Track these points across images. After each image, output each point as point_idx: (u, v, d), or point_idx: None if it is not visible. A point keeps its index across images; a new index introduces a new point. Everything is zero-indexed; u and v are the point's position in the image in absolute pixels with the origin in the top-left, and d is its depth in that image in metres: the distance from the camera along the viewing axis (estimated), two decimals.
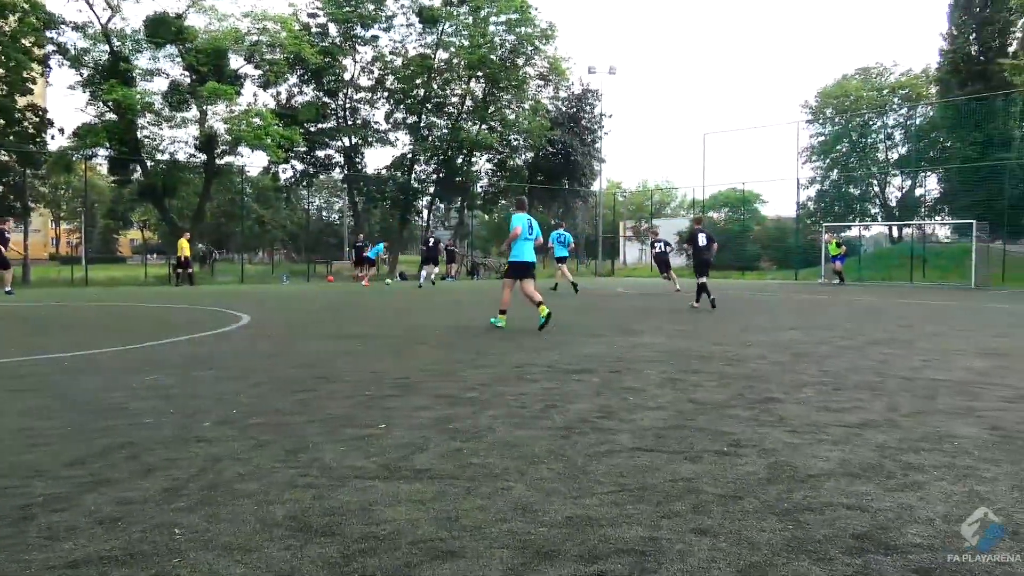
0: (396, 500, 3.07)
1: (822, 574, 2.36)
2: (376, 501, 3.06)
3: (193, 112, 31.31)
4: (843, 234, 40.89)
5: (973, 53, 40.97)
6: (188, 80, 30.77)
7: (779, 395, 5.34)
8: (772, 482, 3.31)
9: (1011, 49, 35.55)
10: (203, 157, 31.81)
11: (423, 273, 26.88)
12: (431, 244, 27.28)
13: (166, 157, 32.07)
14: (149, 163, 31.39)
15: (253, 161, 50.37)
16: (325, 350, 8.04)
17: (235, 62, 32.12)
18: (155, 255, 50.84)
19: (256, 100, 34.83)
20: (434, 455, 3.76)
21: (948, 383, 5.83)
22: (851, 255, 36.09)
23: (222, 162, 32.56)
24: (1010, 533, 2.68)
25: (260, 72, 33.07)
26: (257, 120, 29.80)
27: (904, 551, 2.52)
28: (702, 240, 14.31)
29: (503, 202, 44.49)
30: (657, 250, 22.23)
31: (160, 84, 31.59)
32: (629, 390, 5.55)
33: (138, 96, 28.75)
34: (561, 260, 21.70)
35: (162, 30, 29.35)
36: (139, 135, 30.41)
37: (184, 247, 26.54)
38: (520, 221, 10.84)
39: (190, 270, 26.89)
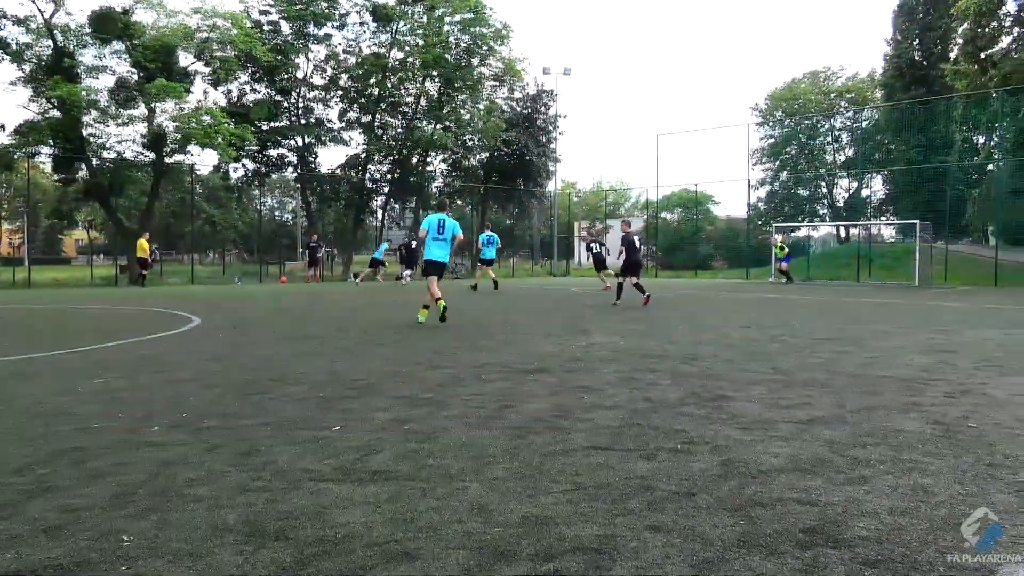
0: (351, 503, 3.05)
1: (773, 568, 2.40)
2: (331, 504, 3.03)
3: (141, 110, 30.56)
4: (792, 234, 41.78)
5: (916, 58, 42.13)
6: (135, 77, 30.04)
7: (731, 393, 5.42)
8: (725, 478, 3.37)
9: (952, 55, 36.60)
10: (151, 155, 31.08)
11: (407, 273, 28.01)
12: (413, 247, 27.81)
13: (113, 155, 31.27)
14: (95, 161, 30.55)
15: (203, 160, 49.58)
16: (278, 352, 7.94)
17: (184, 59, 31.46)
18: (102, 256, 49.68)
19: (206, 98, 34.24)
20: (390, 456, 3.74)
21: (893, 379, 5.98)
22: (799, 255, 36.86)
23: (171, 161, 31.81)
24: (953, 525, 2.76)
25: (210, 69, 32.43)
26: (207, 118, 29.24)
27: (852, 544, 2.58)
28: (637, 243, 15.79)
29: (459, 202, 44.39)
30: (594, 250, 23.66)
31: (106, 81, 30.76)
32: (584, 389, 5.58)
33: (83, 93, 27.99)
34: (487, 262, 22.43)
35: (108, 26, 28.59)
36: (84, 133, 29.58)
37: (143, 247, 26.28)
38: (427, 222, 11.78)
39: (144, 272, 26.54)
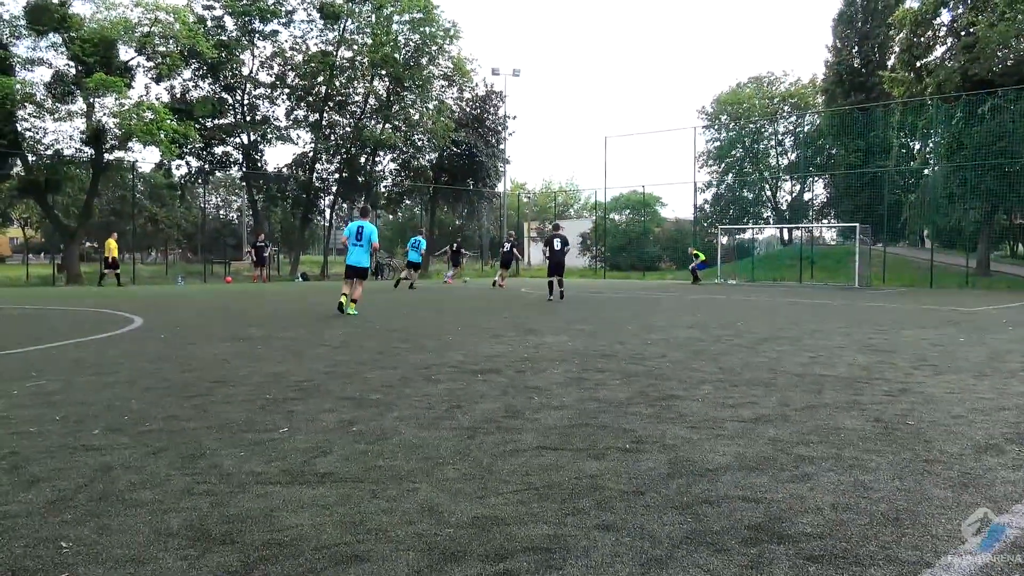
0: (299, 505, 3.01)
1: (720, 564, 2.44)
2: (278, 507, 2.99)
3: (79, 104, 29.66)
4: (737, 236, 42.54)
5: (856, 65, 43.20)
6: (73, 71, 29.22)
7: (679, 392, 5.49)
8: (672, 477, 3.41)
9: (890, 63, 37.62)
10: (90, 152, 30.24)
11: (449, 274, 29.07)
12: (455, 247, 29.55)
13: (50, 151, 30.35)
14: (31, 157, 29.61)
15: (145, 157, 48.30)
16: (222, 353, 7.79)
17: (125, 53, 30.64)
18: (42, 254, 48.17)
19: (148, 93, 33.40)
20: (338, 458, 3.70)
21: (834, 378, 6.13)
22: (745, 257, 37.58)
23: (111, 157, 30.96)
24: (892, 520, 2.84)
25: (152, 64, 31.70)
26: (149, 114, 28.56)
27: (796, 540, 2.64)
28: (557, 244, 17.16)
29: (407, 202, 44.12)
30: (504, 249, 25.57)
31: (43, 74, 30.03)
32: (534, 389, 5.60)
33: (17, 86, 27.12)
34: (414, 266, 23.67)
35: (44, 17, 27.71)
36: (19, 127, 28.68)
37: (112, 247, 26.09)
38: (348, 229, 13.15)
39: (117, 271, 26.33)
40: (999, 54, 27.87)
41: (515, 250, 26.95)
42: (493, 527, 2.77)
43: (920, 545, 2.60)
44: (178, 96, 34.55)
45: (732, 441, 4.05)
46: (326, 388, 5.65)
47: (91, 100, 29.15)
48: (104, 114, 29.72)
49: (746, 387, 5.71)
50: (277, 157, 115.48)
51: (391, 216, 51.79)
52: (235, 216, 61.30)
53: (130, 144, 30.38)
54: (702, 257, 30.61)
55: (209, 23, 34.21)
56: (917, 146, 37.84)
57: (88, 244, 42.24)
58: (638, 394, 5.42)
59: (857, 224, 27.87)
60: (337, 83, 36.90)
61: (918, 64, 30.83)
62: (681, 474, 3.45)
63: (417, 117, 38.43)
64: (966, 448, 3.91)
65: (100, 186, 32.77)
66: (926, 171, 33.45)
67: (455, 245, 28.88)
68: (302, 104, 37.45)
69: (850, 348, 8.26)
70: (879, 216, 30.68)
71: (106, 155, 30.38)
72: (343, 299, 12.69)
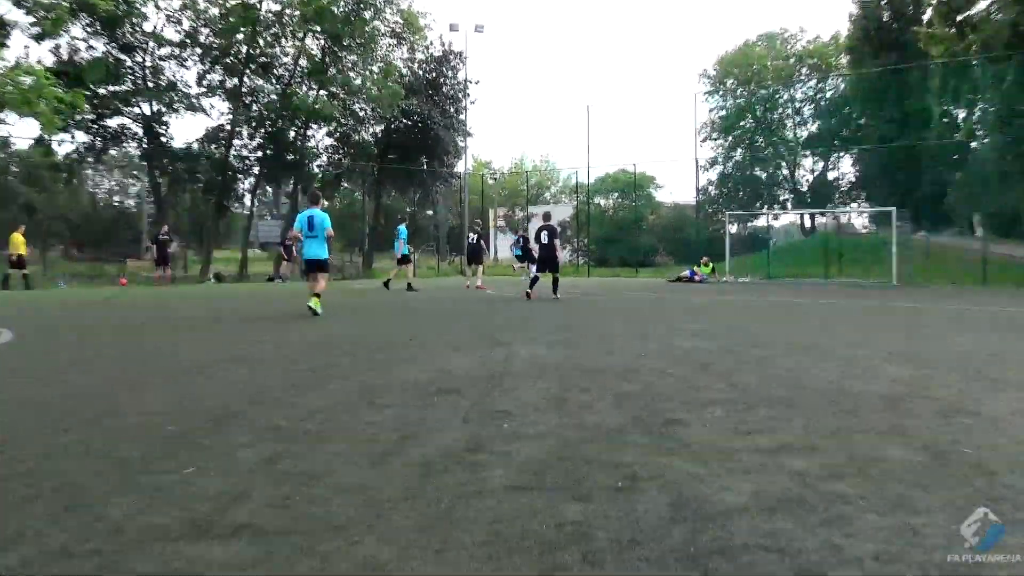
0: (208, 565, 2.93)
1: None
2: (181, 569, 2.91)
3: None
4: (750, 224, 42.87)
5: (886, 19, 43.78)
6: None
7: (682, 416, 5.46)
8: (675, 522, 3.37)
9: (926, 16, 38.02)
10: None
11: (518, 267, 30.58)
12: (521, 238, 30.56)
13: None
14: None
15: (20, 131, 47.67)
16: (113, 373, 7.66)
17: None
18: None
19: (28, 55, 33.01)
20: (258, 505, 3.62)
21: (871, 396, 6.14)
22: (761, 249, 37.89)
23: None
24: (948, 573, 2.81)
25: (33, 20, 31.31)
26: (27, 79, 28.19)
27: None
28: (545, 237, 19.19)
29: (346, 185, 43.94)
30: (471, 240, 26.69)
31: None
32: (503, 414, 5.55)
33: None
34: (403, 259, 25.12)
35: None
36: None
37: (18, 243, 26.28)
38: (298, 219, 14.48)
39: (25, 271, 26.56)
40: None
41: (483, 242, 27.22)
42: None
43: None
44: (64, 58, 34.14)
45: (748, 476, 4.02)
46: (244, 416, 5.55)
47: None
48: None
49: (764, 409, 5.70)
50: (186, 131, 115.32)
51: (326, 202, 51.53)
52: (133, 204, 60.68)
53: (2, 115, 29.96)
54: (707, 271, 31.43)
55: None
56: (962, 115, 38.37)
57: None
58: (632, 419, 5.38)
59: (893, 209, 28.20)
60: (261, 41, 36.70)
61: (959, 18, 31.22)
62: (686, 518, 3.41)
63: (359, 82, 38.34)
64: None
65: None
66: (973, 144, 33.96)
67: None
68: (217, 67, 37.20)
69: (889, 359, 8.32)
70: (919, 199, 31.12)
71: None
72: (316, 301, 13.91)
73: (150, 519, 3.45)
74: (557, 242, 19.51)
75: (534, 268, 28.95)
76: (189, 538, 3.22)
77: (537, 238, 19.55)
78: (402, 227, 25.17)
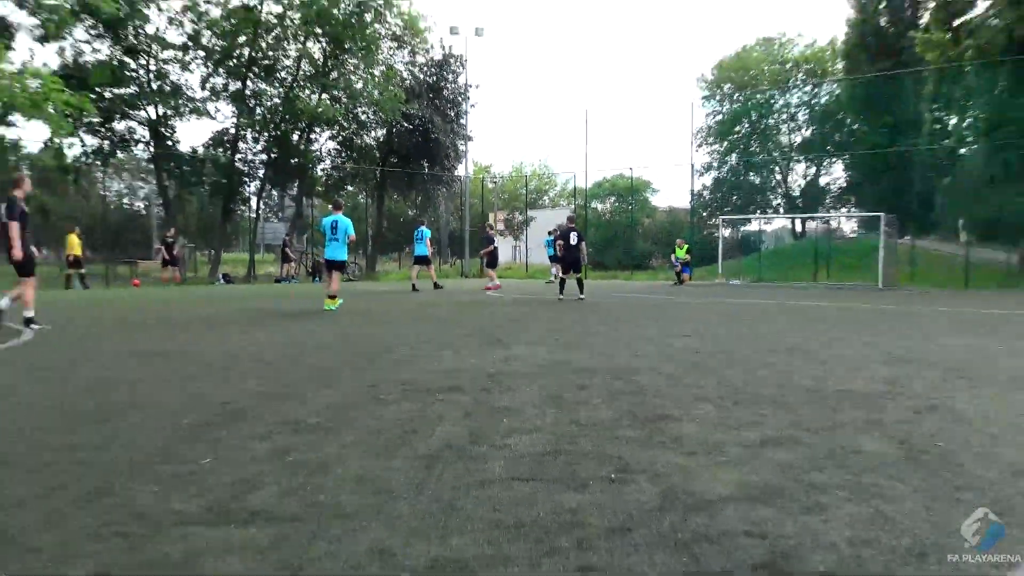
0: (226, 549, 3.03)
1: None
2: (201, 551, 3.01)
3: None
4: (742, 228, 42.89)
5: (883, 25, 43.65)
6: None
7: (673, 412, 5.57)
8: (665, 511, 3.48)
9: (923, 21, 37.76)
10: None
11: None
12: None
13: None
14: None
15: (30, 134, 47.57)
16: (132, 370, 7.75)
17: (3, 7, 30.27)
18: None
19: (33, 58, 32.95)
20: (272, 493, 3.73)
21: (853, 394, 6.26)
22: (751, 252, 37.93)
23: None
24: (918, 556, 2.94)
25: (37, 22, 31.25)
26: (35, 83, 28.15)
27: None
28: (574, 239, 19.53)
29: (350, 188, 43.89)
30: (494, 245, 27.07)
31: None
32: (503, 410, 5.65)
33: None
34: (422, 260, 25.18)
35: None
36: None
37: (75, 244, 26.73)
38: (322, 225, 16.48)
39: (82, 271, 27.05)
40: None
41: (495, 245, 27.31)
42: (455, 572, 2.81)
43: None
44: (69, 61, 34.03)
45: (734, 468, 4.14)
46: (257, 411, 5.65)
47: None
48: None
49: (751, 405, 5.81)
50: (192, 135, 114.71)
51: (329, 206, 51.47)
52: (142, 206, 60.63)
53: (11, 118, 29.90)
54: (682, 253, 30.83)
55: None
56: (953, 121, 38.18)
57: None
58: (625, 414, 5.49)
59: (882, 214, 28.20)
60: (263, 44, 36.57)
61: (956, 23, 30.96)
62: (675, 507, 3.52)
63: (360, 86, 38.19)
64: (1003, 473, 4.04)
65: None
66: (963, 151, 33.84)
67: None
68: (220, 70, 37.03)
69: (871, 358, 8.42)
70: (907, 204, 31.08)
71: None
72: (332, 302, 15.41)
73: (171, 505, 3.56)
74: (583, 244, 20.05)
75: (555, 270, 29.13)
76: (208, 523, 3.33)
77: (566, 238, 19.76)
78: (424, 228, 25.11)
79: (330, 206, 18.01)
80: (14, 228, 11.44)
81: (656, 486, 3.83)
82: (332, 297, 15.54)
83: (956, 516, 3.38)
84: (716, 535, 3.17)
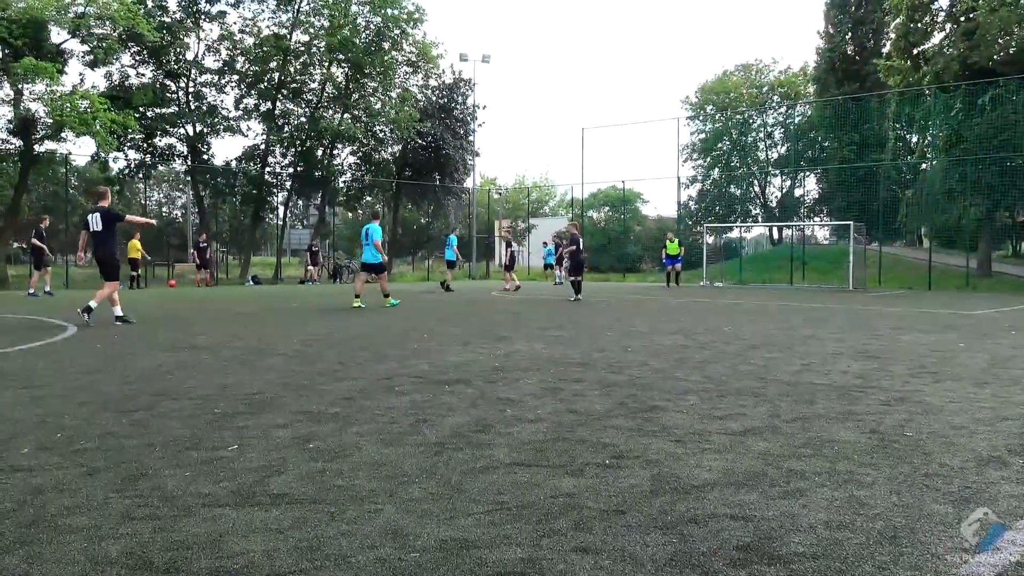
0: (250, 529, 2.98)
1: None
2: (227, 531, 2.96)
3: (6, 91, 29.20)
4: (724, 235, 42.85)
5: (849, 52, 43.77)
6: (0, 54, 28.76)
7: (662, 403, 5.52)
8: (655, 494, 3.43)
9: (885, 49, 38.03)
10: (19, 143, 29.78)
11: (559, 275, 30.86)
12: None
13: None
14: None
15: (80, 149, 47.64)
16: (165, 363, 7.71)
17: (57, 36, 30.22)
18: None
19: (83, 80, 32.99)
20: (293, 478, 3.68)
21: (828, 387, 6.20)
22: (733, 257, 37.90)
23: (42, 149, 30.54)
24: (889, 538, 2.88)
25: (88, 48, 31.28)
26: (84, 103, 28.17)
27: (787, 560, 2.66)
28: (582, 244, 20.17)
29: (368, 198, 43.89)
30: (512, 248, 27.46)
31: None
32: (506, 401, 5.61)
33: None
34: (449, 264, 25.38)
35: None
36: None
37: (135, 248, 27.76)
38: (362, 233, 16.47)
39: (136, 272, 27.94)
40: (1000, 41, 28.31)
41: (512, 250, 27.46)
42: (462, 551, 2.76)
43: (919, 564, 2.64)
44: (116, 83, 34.09)
45: (719, 455, 4.08)
46: (280, 401, 5.61)
47: (19, 86, 28.68)
48: (33, 102, 29.27)
49: (734, 397, 5.76)
50: (226, 150, 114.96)
51: (350, 214, 51.52)
52: (179, 214, 60.73)
53: (63, 135, 29.95)
54: (674, 247, 29.63)
55: (150, 3, 33.79)
56: (914, 139, 38.32)
57: (16, 245, 41.53)
58: (618, 405, 5.44)
59: (851, 222, 28.19)
60: (291, 69, 36.62)
61: (915, 51, 31.22)
62: (665, 491, 3.47)
63: (379, 106, 38.23)
64: (967, 461, 3.98)
65: (29, 181, 32.27)
66: (923, 165, 33.92)
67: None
68: (252, 92, 37.10)
69: (844, 355, 8.37)
70: (874, 213, 31.08)
71: (36, 147, 29.92)
72: (356, 297, 15.90)
73: (200, 488, 3.51)
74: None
75: (559, 273, 29.11)
76: (234, 505, 3.28)
77: (576, 243, 20.12)
78: (452, 235, 25.36)
79: (371, 215, 19.22)
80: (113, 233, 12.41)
81: (647, 472, 3.78)
82: (386, 295, 16.51)
83: (926, 500, 3.33)
84: (703, 517, 3.11)
